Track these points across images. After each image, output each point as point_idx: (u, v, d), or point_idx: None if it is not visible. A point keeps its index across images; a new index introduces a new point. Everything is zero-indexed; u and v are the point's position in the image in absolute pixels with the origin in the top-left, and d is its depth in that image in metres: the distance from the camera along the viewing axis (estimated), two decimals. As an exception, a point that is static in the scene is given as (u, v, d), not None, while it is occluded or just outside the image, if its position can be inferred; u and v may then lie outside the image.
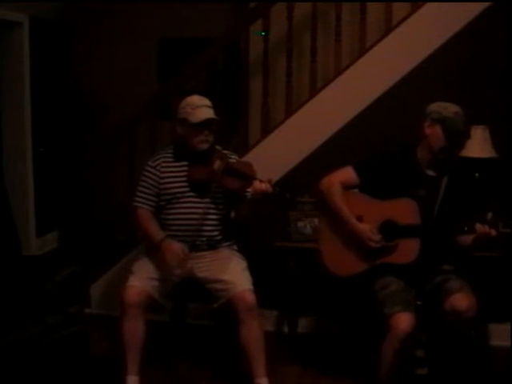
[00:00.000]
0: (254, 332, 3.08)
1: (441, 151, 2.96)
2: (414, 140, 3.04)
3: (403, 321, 2.78)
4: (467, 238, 2.91)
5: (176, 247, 3.13)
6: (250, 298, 3.07)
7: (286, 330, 3.93)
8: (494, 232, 2.75)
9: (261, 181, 3.10)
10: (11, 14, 4.93)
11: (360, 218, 3.07)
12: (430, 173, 3.03)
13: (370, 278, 3.03)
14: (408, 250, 2.94)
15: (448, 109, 2.94)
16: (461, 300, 2.84)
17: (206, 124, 3.20)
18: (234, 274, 3.16)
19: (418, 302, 2.99)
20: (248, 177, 3.15)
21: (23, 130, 5.23)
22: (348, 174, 3.13)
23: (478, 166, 3.59)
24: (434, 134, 2.96)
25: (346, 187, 3.12)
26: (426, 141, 2.99)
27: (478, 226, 2.78)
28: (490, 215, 2.78)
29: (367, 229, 3.01)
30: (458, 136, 2.96)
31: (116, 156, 4.28)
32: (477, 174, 3.61)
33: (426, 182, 3.01)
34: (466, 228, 2.84)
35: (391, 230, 2.98)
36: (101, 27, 5.60)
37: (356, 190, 3.16)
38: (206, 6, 5.24)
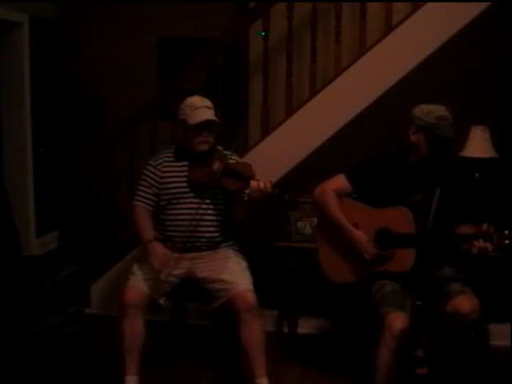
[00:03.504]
0: (254, 332, 3.08)
1: (429, 157, 2.93)
2: (406, 144, 3.00)
3: (396, 320, 2.78)
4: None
5: (160, 250, 3.15)
6: (251, 297, 3.07)
7: (286, 329, 3.93)
8: (490, 246, 2.72)
9: (259, 182, 3.10)
10: (11, 13, 4.93)
11: (355, 226, 3.04)
12: (424, 177, 2.98)
13: (368, 281, 3.03)
14: (404, 259, 2.93)
15: (432, 114, 2.87)
16: (464, 302, 2.81)
17: (205, 125, 3.19)
18: (234, 273, 3.16)
19: (418, 303, 2.99)
20: (247, 178, 3.14)
21: (23, 130, 5.22)
22: (340, 182, 3.09)
23: (478, 166, 3.59)
24: (419, 141, 2.92)
25: (340, 195, 3.09)
26: (414, 147, 2.96)
27: (474, 242, 2.74)
28: (484, 226, 2.74)
29: (364, 239, 2.99)
30: (442, 144, 2.90)
31: (116, 156, 4.28)
32: (477, 174, 3.61)
33: (421, 186, 2.97)
34: (460, 239, 2.82)
35: (386, 239, 2.96)
36: (101, 27, 5.59)
37: (350, 198, 3.12)
38: (206, 6, 5.24)
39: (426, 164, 2.97)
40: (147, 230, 3.25)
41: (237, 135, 4.59)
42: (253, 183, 3.10)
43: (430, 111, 2.89)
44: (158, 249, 3.16)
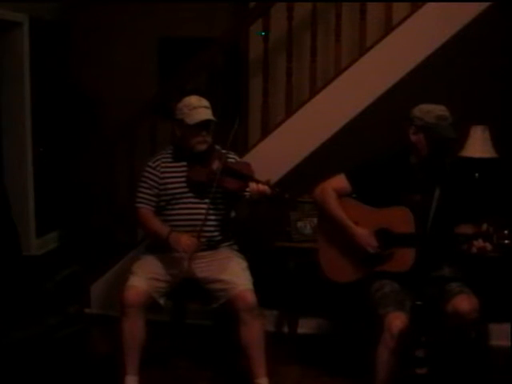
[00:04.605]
0: (254, 332, 3.08)
1: (429, 157, 2.93)
2: (406, 144, 3.00)
3: (396, 320, 2.77)
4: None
5: (185, 237, 3.11)
6: (251, 297, 3.07)
7: (286, 329, 3.93)
8: (489, 246, 2.72)
9: (259, 181, 3.11)
10: (11, 14, 4.93)
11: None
12: (424, 177, 2.98)
13: (367, 281, 3.03)
14: (404, 259, 2.92)
15: (431, 113, 2.87)
16: (463, 302, 2.81)
17: (203, 125, 3.19)
18: (234, 273, 3.16)
19: (418, 303, 2.99)
20: (246, 177, 3.14)
21: (23, 130, 5.22)
22: (341, 181, 3.08)
23: (478, 166, 3.59)
24: (419, 141, 2.92)
25: (340, 195, 3.08)
26: (414, 147, 2.96)
27: (474, 242, 2.74)
28: (484, 226, 2.74)
29: (366, 233, 2.99)
30: (442, 143, 2.90)
31: (116, 156, 4.28)
32: (477, 174, 3.61)
33: (421, 186, 2.97)
34: (460, 238, 2.82)
35: (386, 239, 2.96)
36: (101, 27, 5.60)
37: (350, 197, 3.11)
38: (206, 6, 5.24)
39: (426, 164, 2.97)
40: (161, 227, 3.22)
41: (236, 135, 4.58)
42: (252, 185, 3.09)
43: (430, 111, 2.89)
44: (182, 236, 3.11)
